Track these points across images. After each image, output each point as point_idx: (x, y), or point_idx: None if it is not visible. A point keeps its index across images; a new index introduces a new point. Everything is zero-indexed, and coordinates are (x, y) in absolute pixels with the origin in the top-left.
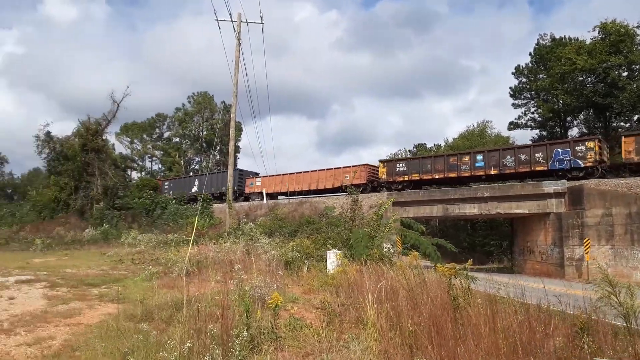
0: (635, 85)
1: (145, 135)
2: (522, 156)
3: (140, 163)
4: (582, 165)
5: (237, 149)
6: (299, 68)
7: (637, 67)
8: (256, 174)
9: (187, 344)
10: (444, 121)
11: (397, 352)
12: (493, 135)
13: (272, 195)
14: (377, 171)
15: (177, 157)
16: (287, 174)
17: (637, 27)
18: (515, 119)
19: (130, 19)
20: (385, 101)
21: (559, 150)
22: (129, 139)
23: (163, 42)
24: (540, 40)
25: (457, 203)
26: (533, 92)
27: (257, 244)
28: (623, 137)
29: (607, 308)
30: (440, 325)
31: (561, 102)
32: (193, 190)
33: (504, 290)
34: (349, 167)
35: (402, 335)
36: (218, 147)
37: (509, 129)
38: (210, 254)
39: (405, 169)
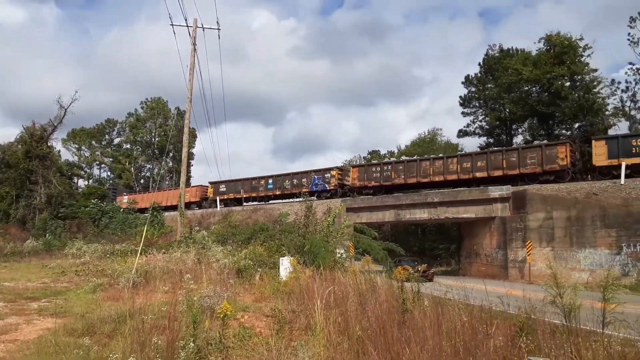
0: (576, 95)
1: (94, 142)
2: (295, 181)
3: (88, 170)
4: (328, 188)
5: (190, 156)
6: (255, 75)
7: (579, 77)
8: (130, 192)
9: (130, 358)
10: (398, 128)
11: (343, 358)
12: (443, 142)
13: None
14: (207, 191)
15: (127, 164)
16: (149, 192)
17: (580, 39)
18: (465, 126)
19: (82, 22)
20: (342, 109)
21: (316, 177)
22: (77, 146)
23: (116, 47)
24: (490, 51)
25: (409, 208)
26: (481, 101)
27: (209, 252)
28: (352, 168)
29: (547, 307)
30: (387, 330)
31: (507, 110)
32: None
33: (451, 293)
34: (190, 187)
35: (350, 340)
36: (171, 154)
37: (459, 136)
38: (160, 264)
39: (225, 189)
